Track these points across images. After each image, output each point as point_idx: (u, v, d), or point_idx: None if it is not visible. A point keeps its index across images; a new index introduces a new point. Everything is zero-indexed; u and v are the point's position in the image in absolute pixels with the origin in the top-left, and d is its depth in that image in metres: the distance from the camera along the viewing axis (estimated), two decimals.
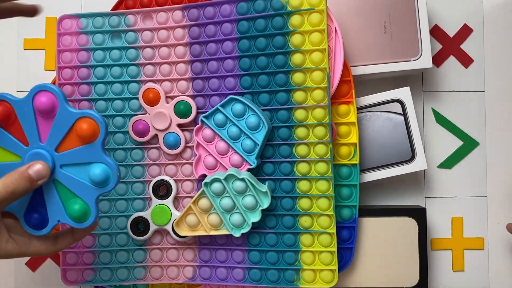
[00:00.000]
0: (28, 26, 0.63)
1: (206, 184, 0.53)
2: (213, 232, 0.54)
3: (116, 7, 0.59)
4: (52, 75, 0.61)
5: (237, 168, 0.54)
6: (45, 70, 0.63)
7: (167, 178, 0.56)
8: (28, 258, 0.61)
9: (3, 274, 0.62)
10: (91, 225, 0.43)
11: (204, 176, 0.55)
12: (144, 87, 0.56)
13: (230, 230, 0.54)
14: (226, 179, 0.53)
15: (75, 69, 0.57)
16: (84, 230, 0.45)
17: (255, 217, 0.53)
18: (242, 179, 0.52)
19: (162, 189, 0.56)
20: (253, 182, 0.52)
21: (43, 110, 0.41)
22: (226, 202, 0.53)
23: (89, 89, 0.57)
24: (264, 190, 0.52)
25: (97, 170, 0.41)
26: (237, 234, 0.53)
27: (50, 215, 0.43)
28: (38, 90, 0.41)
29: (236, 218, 0.53)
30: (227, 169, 0.54)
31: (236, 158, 0.54)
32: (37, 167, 0.40)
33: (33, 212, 0.43)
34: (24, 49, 0.63)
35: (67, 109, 0.41)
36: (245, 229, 0.53)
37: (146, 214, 0.56)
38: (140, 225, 0.57)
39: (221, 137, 0.54)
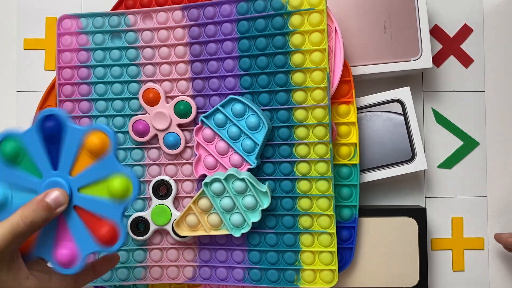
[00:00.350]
0: (28, 26, 0.63)
1: (206, 184, 0.53)
2: (213, 232, 0.54)
3: (116, 7, 0.59)
4: (52, 75, 0.61)
5: (237, 168, 0.54)
6: (45, 70, 0.63)
7: (167, 178, 0.56)
8: None
9: None
10: (115, 255, 0.43)
11: (204, 176, 0.55)
12: (144, 87, 0.56)
13: (230, 230, 0.53)
14: (226, 179, 0.53)
15: (75, 69, 0.57)
16: (105, 264, 0.44)
17: (255, 217, 0.53)
18: (242, 179, 0.52)
19: (162, 189, 0.56)
20: (253, 182, 0.52)
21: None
22: (226, 202, 0.53)
23: (89, 89, 0.57)
24: (264, 190, 0.52)
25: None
26: (237, 234, 0.53)
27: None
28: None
29: (236, 218, 0.53)
30: (227, 169, 0.54)
31: (236, 158, 0.54)
32: (54, 195, 0.39)
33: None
34: (24, 49, 0.63)
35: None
36: (245, 229, 0.53)
37: (146, 214, 0.56)
38: (140, 225, 0.57)
39: (221, 137, 0.54)
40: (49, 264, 0.42)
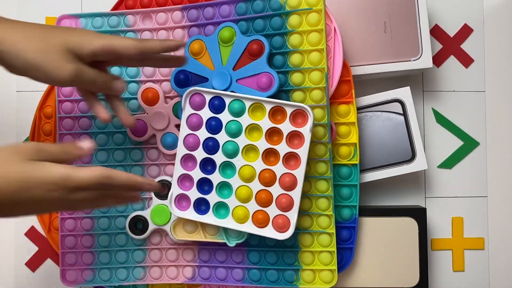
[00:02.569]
0: None
1: None
2: (209, 239, 0.54)
3: (116, 7, 0.59)
4: None
5: None
6: None
7: (169, 178, 0.56)
8: (28, 258, 0.61)
9: (3, 274, 0.62)
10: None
11: None
12: (143, 87, 0.56)
13: (226, 239, 0.54)
14: None
15: None
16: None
17: None
18: None
19: (163, 189, 0.56)
20: None
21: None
22: None
23: None
24: None
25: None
26: (232, 244, 0.53)
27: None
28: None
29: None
30: None
31: None
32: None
33: None
34: None
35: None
36: (240, 240, 0.53)
37: (145, 213, 0.56)
38: (139, 224, 0.56)
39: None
40: None
